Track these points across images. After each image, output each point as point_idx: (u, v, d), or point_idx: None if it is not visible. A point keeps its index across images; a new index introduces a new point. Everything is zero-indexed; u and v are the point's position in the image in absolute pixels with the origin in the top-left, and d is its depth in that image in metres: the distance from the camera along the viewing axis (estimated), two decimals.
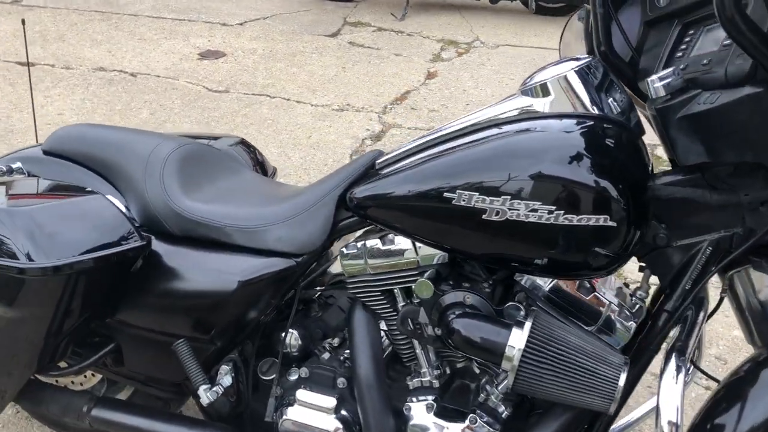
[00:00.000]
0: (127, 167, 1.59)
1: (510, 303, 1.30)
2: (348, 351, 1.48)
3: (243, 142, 1.94)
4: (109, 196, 1.52)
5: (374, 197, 1.35)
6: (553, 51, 4.80)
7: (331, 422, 1.43)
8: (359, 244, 1.41)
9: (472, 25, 5.46)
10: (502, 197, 1.18)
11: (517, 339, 1.21)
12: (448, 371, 1.43)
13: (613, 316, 1.31)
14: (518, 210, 1.17)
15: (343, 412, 1.44)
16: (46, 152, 1.71)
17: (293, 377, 1.50)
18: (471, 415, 1.33)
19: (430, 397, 1.38)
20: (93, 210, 1.45)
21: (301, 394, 1.47)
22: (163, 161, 1.57)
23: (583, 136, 1.19)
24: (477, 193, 1.19)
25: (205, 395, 1.46)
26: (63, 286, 1.39)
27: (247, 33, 5.24)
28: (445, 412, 1.37)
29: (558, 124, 1.21)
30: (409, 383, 1.42)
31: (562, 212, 1.16)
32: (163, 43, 4.97)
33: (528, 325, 1.22)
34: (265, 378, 1.55)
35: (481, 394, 1.37)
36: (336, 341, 1.53)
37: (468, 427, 1.32)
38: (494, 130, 1.27)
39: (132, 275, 1.49)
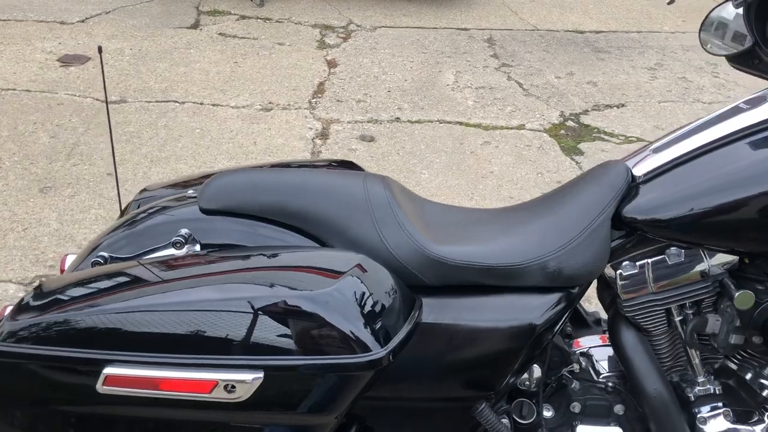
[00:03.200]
0: (340, 215, 1.36)
1: None
2: (604, 376, 1.45)
3: (352, 164, 1.76)
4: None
5: (664, 213, 1.32)
6: (428, 30, 4.90)
7: None
8: (639, 264, 1.37)
9: (336, 8, 5.34)
10: None
11: None
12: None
13: None
14: None
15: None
16: (206, 210, 1.40)
17: (561, 415, 1.43)
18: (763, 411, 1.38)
19: (719, 404, 1.40)
20: (377, 279, 1.22)
21: (582, 428, 1.41)
22: (389, 203, 1.37)
23: None
24: None
25: None
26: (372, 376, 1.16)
27: (98, 31, 4.62)
28: (740, 415, 1.40)
29: None
30: (689, 395, 1.42)
31: None
32: (4, 49, 4.21)
33: None
34: (524, 422, 1.45)
35: (763, 391, 1.41)
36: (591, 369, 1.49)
37: None
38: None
39: None
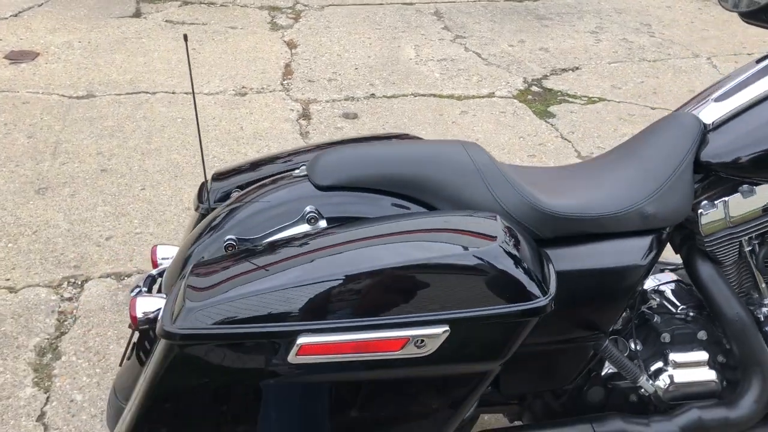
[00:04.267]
0: (453, 181, 1.44)
1: None
2: (682, 308, 1.61)
3: (410, 136, 1.85)
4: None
5: (738, 155, 1.48)
6: (376, 6, 4.97)
7: (710, 373, 1.57)
8: (716, 202, 1.53)
9: None
10: None
11: None
12: None
13: None
14: None
15: (719, 359, 1.58)
16: (321, 187, 1.45)
17: (652, 346, 1.59)
18: None
19: None
20: (519, 234, 1.32)
21: (674, 356, 1.56)
22: (495, 166, 1.47)
23: None
24: None
25: (648, 384, 1.49)
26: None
27: (37, 25, 4.42)
28: None
29: None
30: (759, 315, 1.60)
31: None
32: None
33: None
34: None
35: None
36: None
37: None
38: None
39: None
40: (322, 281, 1.16)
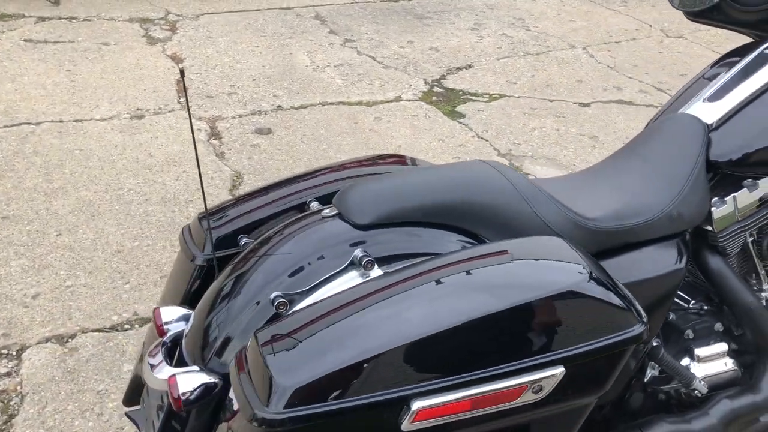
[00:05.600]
0: (494, 203, 1.39)
1: None
2: (694, 303, 1.67)
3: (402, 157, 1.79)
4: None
5: (743, 152, 1.56)
6: (253, 12, 4.79)
7: (731, 362, 1.64)
8: (727, 199, 1.60)
9: None
10: None
11: None
12: None
13: None
14: None
15: (734, 347, 1.66)
16: (361, 226, 1.35)
17: (678, 344, 1.64)
18: None
19: None
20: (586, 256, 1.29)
21: (699, 351, 1.62)
22: (531, 183, 1.44)
23: None
24: None
25: (701, 385, 1.53)
26: None
27: None
28: None
29: None
30: (762, 301, 1.70)
31: None
32: None
33: None
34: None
35: None
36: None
37: None
38: None
39: None
40: (427, 337, 1.08)
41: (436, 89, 3.96)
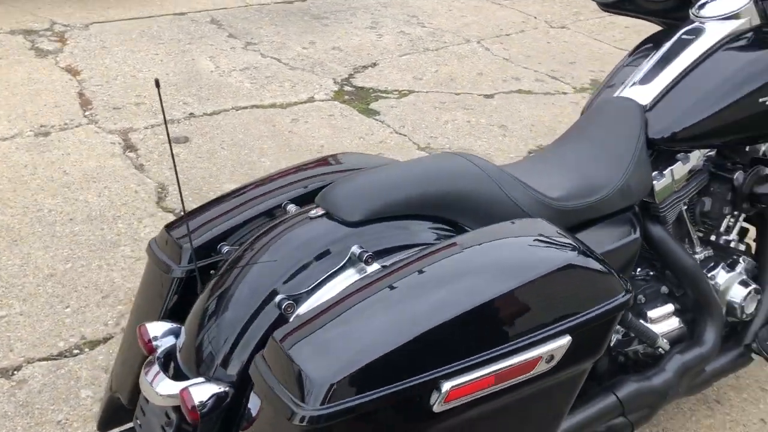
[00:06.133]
0: (473, 191, 1.45)
1: None
2: (640, 271, 1.82)
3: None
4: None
5: (677, 128, 1.71)
6: (145, 19, 4.64)
7: (678, 320, 1.77)
8: (665, 172, 1.75)
9: (23, 9, 4.68)
10: None
11: None
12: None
13: None
14: None
15: (678, 306, 1.81)
16: (352, 223, 1.38)
17: (634, 309, 1.77)
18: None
19: (715, 263, 1.86)
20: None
21: (651, 313, 1.75)
22: (501, 170, 1.52)
23: None
24: None
25: (665, 343, 1.70)
26: None
27: None
28: (729, 265, 1.87)
29: None
30: (709, 254, 1.87)
31: None
32: None
33: None
34: None
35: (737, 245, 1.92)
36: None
37: None
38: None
39: None
40: (450, 320, 1.13)
41: (347, 88, 4.01)
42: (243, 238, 1.50)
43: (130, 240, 2.58)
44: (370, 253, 1.29)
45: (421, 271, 1.21)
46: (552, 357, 1.19)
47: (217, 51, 4.33)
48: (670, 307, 1.79)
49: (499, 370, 1.14)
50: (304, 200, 1.54)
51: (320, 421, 1.03)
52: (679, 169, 1.76)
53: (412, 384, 1.09)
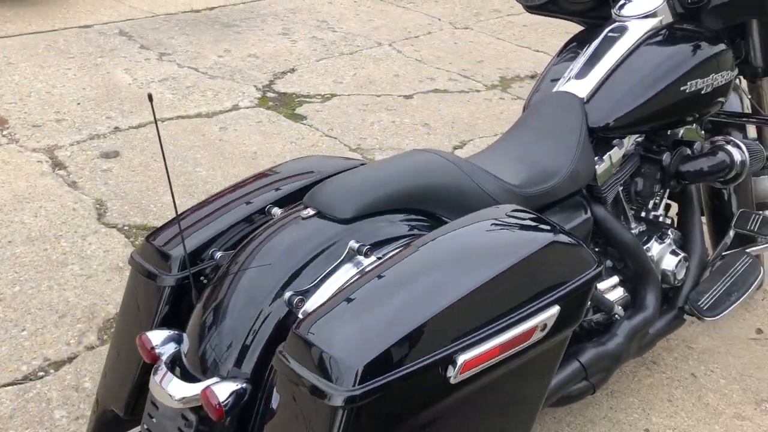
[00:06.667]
0: (451, 184, 1.57)
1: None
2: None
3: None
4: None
5: (612, 117, 1.90)
6: (50, 33, 4.50)
7: (622, 290, 1.96)
8: (605, 157, 1.94)
9: None
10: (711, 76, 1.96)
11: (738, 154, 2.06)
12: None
13: None
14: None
15: (621, 279, 2.01)
16: (346, 220, 1.47)
17: None
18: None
19: (648, 237, 2.08)
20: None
21: (600, 285, 1.93)
22: (470, 162, 1.66)
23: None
24: (700, 79, 1.95)
25: (620, 310, 1.87)
26: None
27: None
28: (660, 238, 2.09)
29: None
30: (643, 229, 2.07)
31: None
32: None
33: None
34: None
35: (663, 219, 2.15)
36: None
37: None
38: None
39: None
40: (460, 299, 1.24)
41: (270, 94, 4.05)
42: (230, 243, 1.56)
43: (77, 258, 2.54)
44: (369, 246, 1.39)
45: (423, 257, 1.32)
46: (545, 326, 1.33)
47: (131, 63, 4.26)
48: (615, 279, 1.98)
49: (503, 341, 1.27)
50: (285, 202, 1.62)
51: (356, 400, 1.12)
52: (616, 154, 1.96)
53: (432, 359, 1.19)
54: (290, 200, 1.63)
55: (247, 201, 1.65)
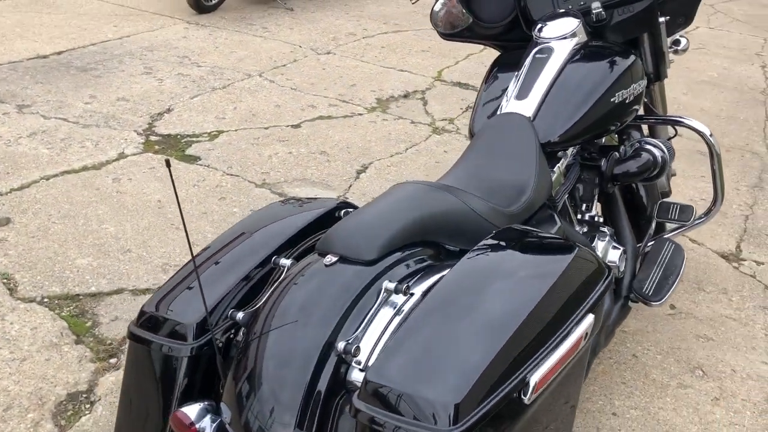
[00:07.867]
0: (455, 213, 1.63)
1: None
2: None
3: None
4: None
5: (557, 133, 2.06)
6: None
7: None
8: (555, 169, 2.07)
9: None
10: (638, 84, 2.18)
11: None
12: None
13: None
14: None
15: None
16: (371, 261, 1.48)
17: None
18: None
19: (603, 228, 2.28)
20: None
21: None
22: (455, 189, 1.72)
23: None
24: (624, 90, 2.15)
25: None
26: None
27: None
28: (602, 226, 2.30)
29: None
30: (585, 230, 2.25)
31: None
32: None
33: None
34: None
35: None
36: None
37: None
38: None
39: None
40: (522, 323, 1.29)
41: (153, 138, 3.88)
42: (240, 300, 1.53)
43: (2, 342, 2.29)
44: (407, 284, 1.41)
45: (467, 288, 1.37)
46: (587, 334, 1.42)
47: None
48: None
49: (561, 356, 1.34)
50: (282, 251, 1.61)
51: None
52: (563, 165, 2.12)
53: (512, 385, 1.25)
54: (287, 249, 1.63)
55: (241, 257, 1.61)
